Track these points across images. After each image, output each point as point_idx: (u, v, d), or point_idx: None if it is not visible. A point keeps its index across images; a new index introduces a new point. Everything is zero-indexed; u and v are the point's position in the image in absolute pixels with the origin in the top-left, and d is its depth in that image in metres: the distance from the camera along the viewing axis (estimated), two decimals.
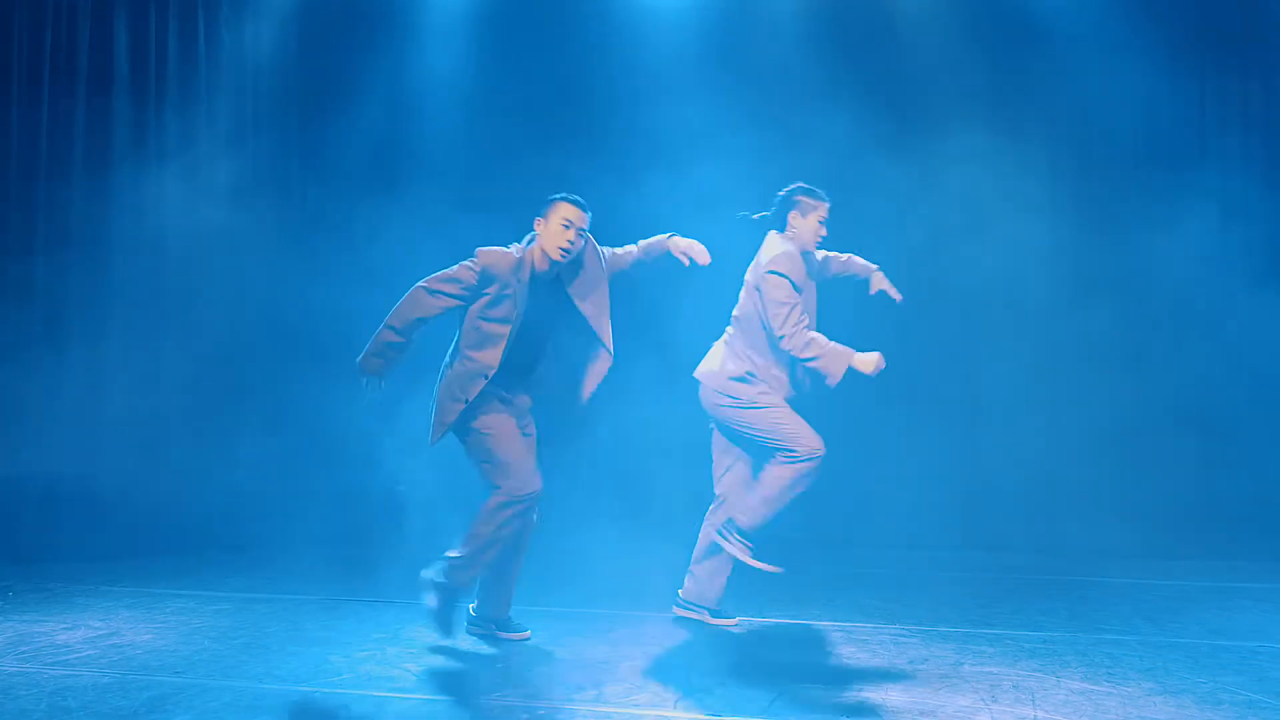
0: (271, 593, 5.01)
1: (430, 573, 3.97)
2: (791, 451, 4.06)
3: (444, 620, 3.97)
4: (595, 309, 4.06)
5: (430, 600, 3.96)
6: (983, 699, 3.35)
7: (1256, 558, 5.83)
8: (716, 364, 4.27)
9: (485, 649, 3.95)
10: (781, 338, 4.03)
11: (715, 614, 4.34)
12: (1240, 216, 6.08)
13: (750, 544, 4.11)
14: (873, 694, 3.40)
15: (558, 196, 4.02)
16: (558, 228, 3.95)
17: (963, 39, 6.37)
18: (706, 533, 4.34)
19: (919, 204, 6.33)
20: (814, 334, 4.04)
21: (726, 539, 4.15)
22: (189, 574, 5.43)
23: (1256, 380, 6.08)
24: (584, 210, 4.01)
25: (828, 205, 4.22)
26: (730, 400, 4.18)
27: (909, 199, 6.32)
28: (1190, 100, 6.19)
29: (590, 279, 4.08)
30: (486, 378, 3.90)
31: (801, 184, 4.24)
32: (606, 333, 4.06)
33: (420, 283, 3.93)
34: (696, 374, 4.33)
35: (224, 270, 6.42)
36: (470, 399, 3.91)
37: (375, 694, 3.39)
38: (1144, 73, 6.14)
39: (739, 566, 4.21)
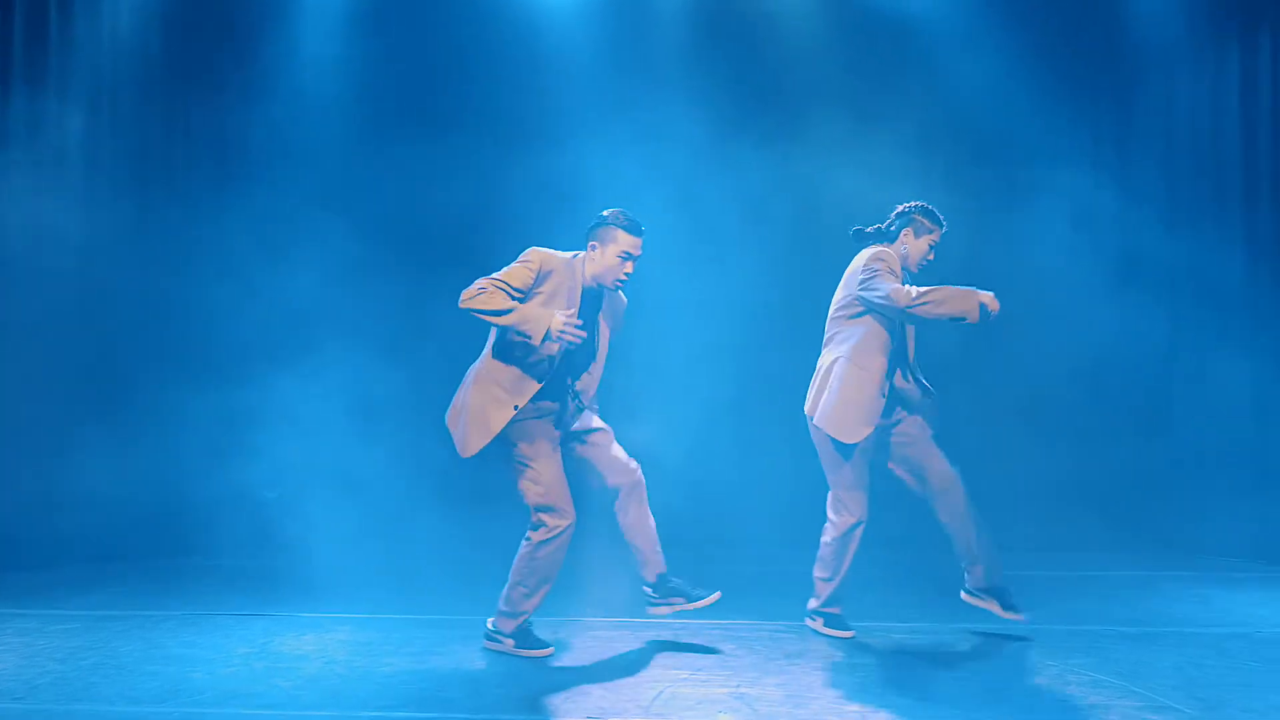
0: (126, 609, 4.75)
1: (493, 624, 3.98)
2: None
3: (534, 645, 3.92)
4: (604, 341, 4.00)
5: (508, 645, 3.93)
6: (854, 690, 3.45)
7: (1103, 548, 6.21)
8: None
9: (361, 662, 3.85)
10: (898, 304, 3.90)
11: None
12: (1090, 218, 6.46)
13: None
14: (750, 689, 3.47)
15: (616, 222, 3.80)
16: (615, 260, 3.81)
17: (833, 38, 6.61)
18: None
19: (783, 201, 6.53)
20: (923, 289, 3.90)
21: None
22: (35, 592, 5.10)
23: (1105, 377, 6.47)
24: (642, 237, 3.83)
25: (942, 232, 4.22)
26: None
27: (774, 195, 6.50)
28: (1045, 103, 6.52)
29: (613, 311, 4.03)
30: (540, 381, 3.77)
31: (924, 204, 4.22)
32: (600, 364, 4.01)
33: (481, 282, 3.67)
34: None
35: (72, 270, 6.04)
36: (521, 405, 3.77)
37: (242, 712, 3.25)
38: (1004, 74, 6.45)
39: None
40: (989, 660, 3.83)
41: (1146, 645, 4.01)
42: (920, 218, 4.19)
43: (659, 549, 4.07)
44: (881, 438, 4.19)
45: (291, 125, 6.63)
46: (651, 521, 4.06)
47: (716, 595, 4.05)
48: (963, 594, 4.28)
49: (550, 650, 3.92)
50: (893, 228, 4.24)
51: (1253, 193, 6.12)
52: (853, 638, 4.16)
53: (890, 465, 4.27)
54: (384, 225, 6.57)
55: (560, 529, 3.83)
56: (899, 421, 4.20)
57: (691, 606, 4.05)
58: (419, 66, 6.72)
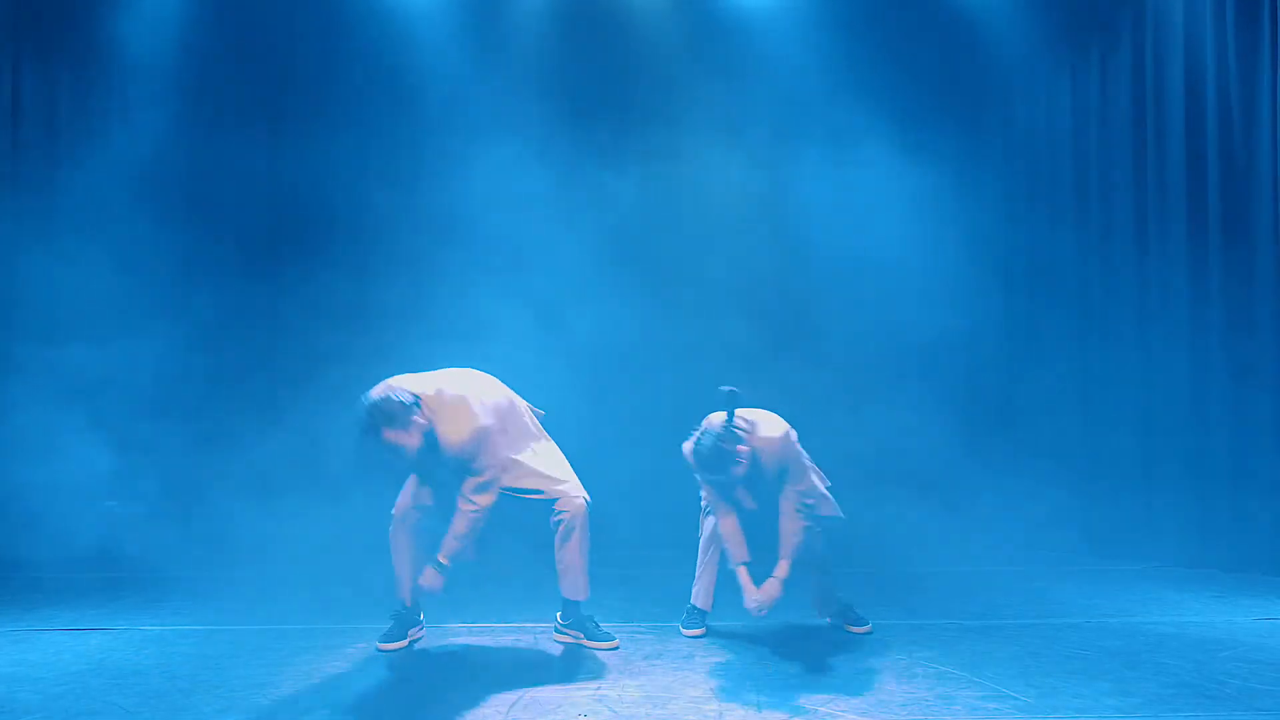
0: None
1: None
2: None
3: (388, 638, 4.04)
4: None
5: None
6: (711, 689, 3.51)
7: (943, 544, 6.47)
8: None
9: (207, 675, 3.68)
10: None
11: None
12: (933, 214, 6.72)
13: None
14: (609, 690, 3.49)
15: None
16: None
17: (691, 41, 6.69)
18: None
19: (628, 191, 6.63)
20: None
21: None
22: None
23: (946, 367, 6.72)
24: None
25: None
26: None
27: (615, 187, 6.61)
28: (891, 99, 6.70)
29: None
30: None
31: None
32: None
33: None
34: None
35: None
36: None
37: None
38: (866, 73, 6.66)
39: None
40: (839, 656, 3.96)
41: (986, 637, 4.21)
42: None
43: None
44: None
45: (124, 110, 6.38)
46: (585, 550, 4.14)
47: (615, 643, 4.09)
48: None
49: (400, 644, 3.99)
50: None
51: (1083, 194, 6.50)
52: (702, 634, 4.25)
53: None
54: (215, 217, 6.43)
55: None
56: None
57: (588, 643, 4.10)
58: (254, 56, 6.54)
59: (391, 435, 3.67)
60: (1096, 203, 6.44)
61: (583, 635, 4.11)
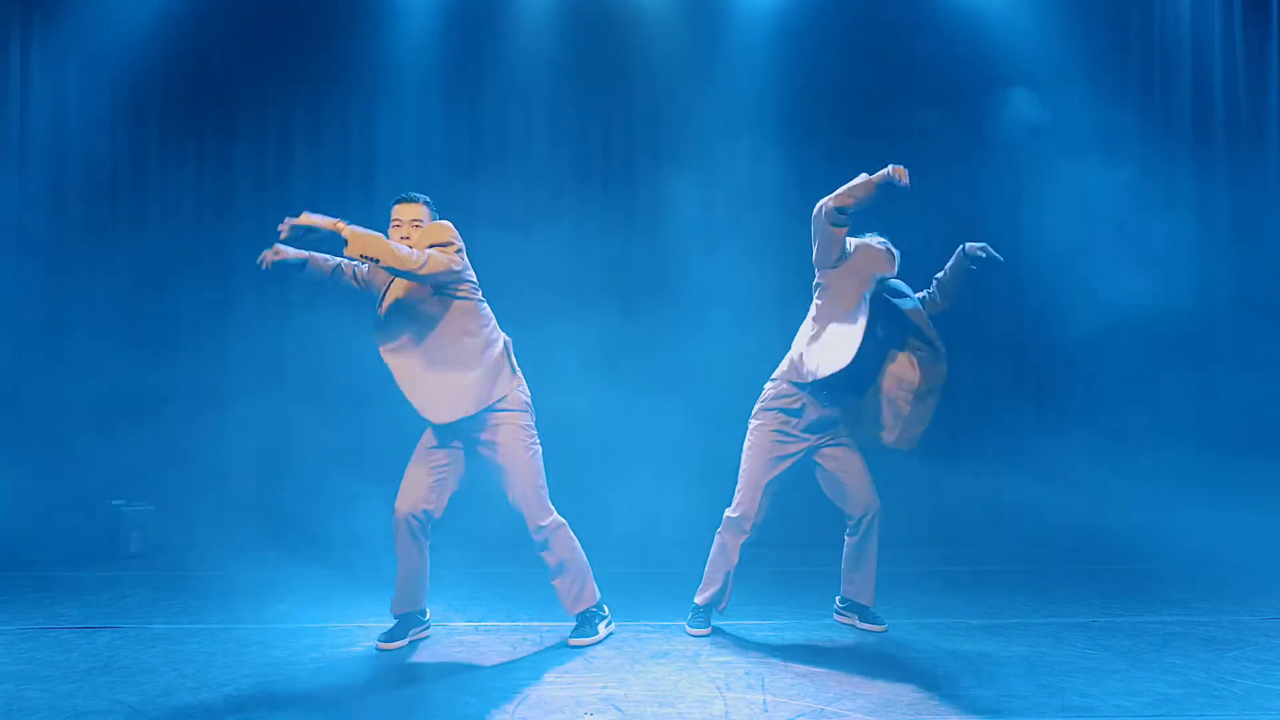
0: None
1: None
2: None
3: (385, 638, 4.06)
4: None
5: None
6: (718, 688, 3.51)
7: (943, 543, 6.46)
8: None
9: (214, 673, 3.69)
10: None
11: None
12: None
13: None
14: (615, 689, 3.48)
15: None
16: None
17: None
18: None
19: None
20: None
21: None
22: None
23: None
24: (397, 204, 3.99)
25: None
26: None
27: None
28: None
29: None
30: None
31: None
32: None
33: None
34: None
35: None
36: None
37: None
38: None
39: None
40: (847, 656, 3.96)
41: (993, 636, 4.21)
42: None
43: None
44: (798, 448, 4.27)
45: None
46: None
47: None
48: (835, 616, 4.48)
49: (400, 643, 4.01)
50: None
51: (1084, 190, 6.52)
52: (709, 634, 4.24)
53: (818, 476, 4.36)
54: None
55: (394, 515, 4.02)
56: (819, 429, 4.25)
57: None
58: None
59: None
60: (1102, 196, 6.48)
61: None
